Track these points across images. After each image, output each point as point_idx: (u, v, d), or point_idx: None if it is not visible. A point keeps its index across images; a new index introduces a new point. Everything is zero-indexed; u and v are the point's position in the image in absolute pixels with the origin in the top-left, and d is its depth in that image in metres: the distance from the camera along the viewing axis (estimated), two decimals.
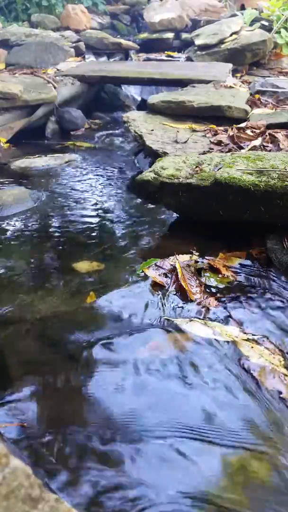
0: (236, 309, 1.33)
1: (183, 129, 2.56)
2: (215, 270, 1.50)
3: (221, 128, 2.53)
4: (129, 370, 1.09)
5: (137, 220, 1.97)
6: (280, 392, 1.03)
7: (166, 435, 0.93)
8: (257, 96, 3.17)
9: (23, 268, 1.57)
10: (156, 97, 2.86)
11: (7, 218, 1.95)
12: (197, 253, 1.58)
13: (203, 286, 1.42)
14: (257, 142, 2.21)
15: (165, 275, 1.47)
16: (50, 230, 1.86)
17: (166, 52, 5.21)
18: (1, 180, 2.41)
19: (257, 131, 2.38)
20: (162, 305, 1.34)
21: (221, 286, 1.44)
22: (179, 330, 1.23)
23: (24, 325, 1.26)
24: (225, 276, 1.48)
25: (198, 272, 1.48)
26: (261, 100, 3.11)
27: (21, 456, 0.87)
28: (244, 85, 3.53)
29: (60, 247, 1.72)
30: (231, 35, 4.54)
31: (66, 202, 2.16)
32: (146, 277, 1.47)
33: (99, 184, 2.41)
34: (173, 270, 1.48)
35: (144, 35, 5.93)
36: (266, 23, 4.90)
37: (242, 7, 6.23)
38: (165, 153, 2.14)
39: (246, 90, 3.28)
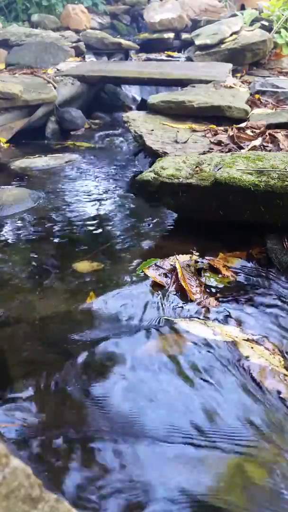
0: (236, 309, 1.33)
1: (183, 129, 2.56)
2: (215, 270, 1.50)
3: (221, 128, 2.53)
4: (128, 370, 1.09)
5: (137, 220, 1.97)
6: (280, 392, 1.03)
7: (165, 436, 0.93)
8: (257, 96, 3.17)
9: (23, 268, 1.57)
10: (156, 97, 2.86)
11: (7, 218, 1.95)
12: (197, 253, 1.58)
13: (203, 286, 1.42)
14: (257, 142, 2.21)
15: (165, 275, 1.47)
16: (50, 230, 1.86)
17: (166, 52, 5.21)
18: (1, 180, 2.41)
19: (257, 131, 2.38)
20: (162, 305, 1.34)
21: (221, 286, 1.44)
22: (179, 330, 1.23)
23: (24, 325, 1.26)
24: (225, 276, 1.48)
25: (198, 272, 1.48)
26: (261, 100, 3.11)
27: (21, 456, 0.87)
28: (244, 85, 3.53)
29: (60, 247, 1.72)
30: (231, 35, 4.54)
31: (66, 202, 2.16)
32: (146, 277, 1.47)
33: (99, 184, 2.41)
34: (173, 270, 1.48)
35: (144, 35, 5.94)
36: (266, 23, 4.90)
37: (242, 7, 6.24)
38: (165, 153, 2.14)
39: (246, 90, 3.28)
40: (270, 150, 2.10)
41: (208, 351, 1.15)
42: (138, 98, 4.29)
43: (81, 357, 1.14)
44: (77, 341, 1.20)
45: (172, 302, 1.35)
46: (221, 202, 1.63)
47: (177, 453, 0.89)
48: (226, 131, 2.46)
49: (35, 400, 1.01)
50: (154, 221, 1.95)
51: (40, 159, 2.73)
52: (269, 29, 4.78)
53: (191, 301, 1.35)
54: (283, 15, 4.71)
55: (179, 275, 1.43)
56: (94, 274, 1.51)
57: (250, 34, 4.50)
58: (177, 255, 1.54)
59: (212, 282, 1.45)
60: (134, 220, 1.97)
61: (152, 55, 5.12)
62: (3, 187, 2.29)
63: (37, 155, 2.81)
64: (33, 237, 1.80)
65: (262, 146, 2.16)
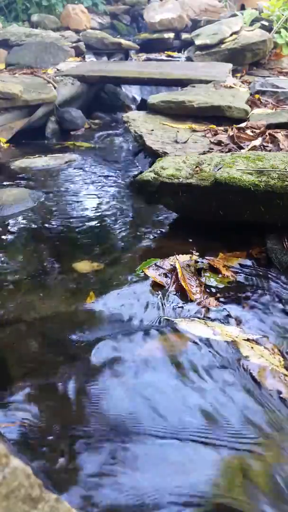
0: (236, 309, 1.33)
1: (183, 129, 2.56)
2: (215, 270, 1.50)
3: (221, 128, 2.53)
4: (128, 370, 1.09)
5: (137, 220, 1.97)
6: (280, 392, 1.03)
7: (166, 436, 0.93)
8: (257, 96, 3.17)
9: (23, 268, 1.57)
10: (156, 97, 2.86)
11: (7, 218, 1.95)
12: (197, 253, 1.58)
13: (203, 286, 1.42)
14: (257, 142, 2.21)
15: (165, 275, 1.47)
16: (50, 230, 1.86)
17: (166, 52, 5.22)
18: (1, 180, 2.41)
19: (257, 131, 2.38)
20: (162, 305, 1.34)
21: (221, 286, 1.44)
22: (179, 330, 1.23)
23: (24, 325, 1.26)
24: (225, 276, 1.48)
25: (198, 272, 1.48)
26: (261, 100, 3.11)
27: (21, 456, 0.87)
28: (244, 85, 3.53)
29: (60, 247, 1.72)
30: (231, 35, 4.54)
31: (66, 202, 2.16)
32: (146, 277, 1.47)
33: (99, 184, 2.41)
34: (173, 270, 1.48)
35: (144, 35, 5.94)
36: (266, 23, 4.90)
37: (242, 7, 6.24)
38: (165, 153, 2.14)
39: (246, 90, 3.28)
40: (270, 150, 2.10)
41: (208, 351, 1.15)
42: (138, 98, 4.29)
43: (81, 357, 1.14)
44: (77, 341, 1.20)
45: (172, 302, 1.35)
46: (221, 202, 1.63)
47: (178, 453, 0.89)
48: (226, 131, 2.46)
49: (35, 400, 1.01)
50: (154, 221, 1.95)
51: (40, 159, 2.73)
52: (269, 29, 4.78)
53: (191, 301, 1.35)
54: (283, 15, 4.71)
55: (179, 275, 1.43)
56: (94, 274, 1.51)
57: (250, 34, 4.50)
58: (177, 255, 1.54)
59: (212, 282, 1.45)
60: (134, 220, 1.97)
61: (152, 55, 5.12)
62: (3, 187, 2.29)
63: (37, 155, 2.81)
64: (33, 237, 1.79)
65: (262, 146, 2.16)
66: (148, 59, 4.89)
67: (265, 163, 1.61)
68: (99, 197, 2.22)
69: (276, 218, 1.57)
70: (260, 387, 1.05)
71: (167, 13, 5.71)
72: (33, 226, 1.89)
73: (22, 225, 1.90)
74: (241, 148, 2.20)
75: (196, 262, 1.53)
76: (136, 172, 2.52)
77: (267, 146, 2.16)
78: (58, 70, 3.95)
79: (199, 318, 1.28)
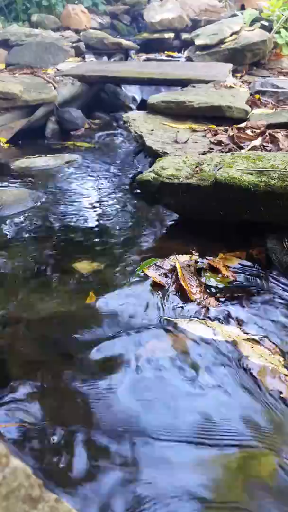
0: (236, 309, 1.33)
1: (183, 129, 2.56)
2: (215, 270, 1.50)
3: (221, 128, 2.53)
4: (128, 370, 1.09)
5: (137, 220, 1.97)
6: (280, 392, 1.03)
7: (165, 435, 0.93)
8: (257, 96, 3.17)
9: (23, 268, 1.56)
10: (156, 97, 2.86)
11: (7, 218, 1.95)
12: (197, 253, 1.58)
13: (203, 286, 1.42)
14: (257, 142, 2.21)
15: (165, 275, 1.47)
16: (50, 230, 1.86)
17: (166, 52, 5.21)
18: (1, 180, 2.41)
19: (257, 131, 2.38)
20: (162, 305, 1.34)
21: (221, 286, 1.44)
22: (179, 330, 1.23)
23: (24, 325, 1.26)
24: (225, 276, 1.48)
25: (198, 272, 1.48)
26: (261, 100, 3.11)
27: (21, 456, 0.87)
28: (244, 85, 3.53)
29: (60, 247, 1.72)
30: (231, 35, 4.53)
31: (66, 202, 2.16)
32: (146, 277, 1.47)
33: (99, 184, 2.41)
34: (173, 270, 1.48)
35: (144, 35, 5.93)
36: (266, 23, 4.90)
37: (242, 7, 6.23)
38: (165, 153, 2.13)
39: (246, 90, 3.28)
40: (270, 150, 2.10)
41: (209, 351, 1.15)
42: (138, 98, 4.28)
43: (81, 357, 1.14)
44: (77, 341, 1.20)
45: (172, 302, 1.35)
46: (221, 202, 1.63)
47: (178, 452, 0.89)
48: (226, 131, 2.46)
49: (35, 400, 1.01)
50: (154, 221, 1.95)
51: (40, 159, 2.73)
52: (269, 29, 4.77)
53: (191, 301, 1.35)
54: (283, 15, 4.70)
55: (179, 275, 1.43)
56: (94, 274, 1.51)
57: (250, 34, 4.50)
58: (177, 255, 1.54)
59: (212, 282, 1.45)
60: (134, 220, 1.97)
61: (152, 55, 5.11)
62: (3, 187, 2.29)
63: (37, 155, 2.81)
64: (33, 237, 1.80)
65: (262, 146, 2.16)
66: (148, 59, 4.89)
67: (265, 163, 1.61)
68: (99, 197, 2.22)
69: (276, 218, 1.57)
70: (260, 387, 1.05)
71: (167, 13, 5.71)
72: (33, 226, 1.89)
73: (22, 225, 1.90)
74: (241, 148, 2.20)
75: (196, 262, 1.53)
76: (136, 172, 2.52)
77: (267, 146, 2.16)
78: (58, 70, 3.95)
79: (199, 318, 1.28)
